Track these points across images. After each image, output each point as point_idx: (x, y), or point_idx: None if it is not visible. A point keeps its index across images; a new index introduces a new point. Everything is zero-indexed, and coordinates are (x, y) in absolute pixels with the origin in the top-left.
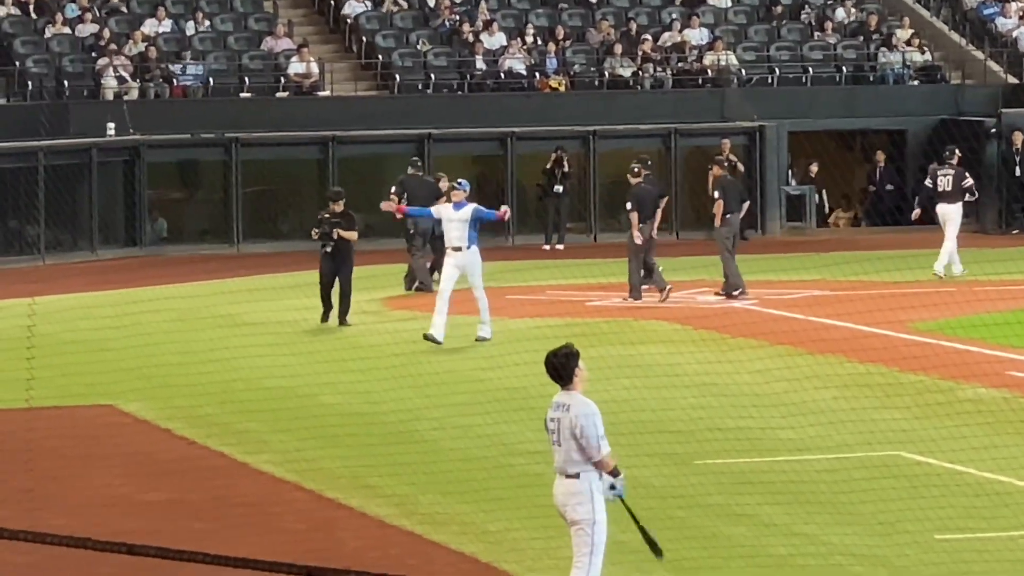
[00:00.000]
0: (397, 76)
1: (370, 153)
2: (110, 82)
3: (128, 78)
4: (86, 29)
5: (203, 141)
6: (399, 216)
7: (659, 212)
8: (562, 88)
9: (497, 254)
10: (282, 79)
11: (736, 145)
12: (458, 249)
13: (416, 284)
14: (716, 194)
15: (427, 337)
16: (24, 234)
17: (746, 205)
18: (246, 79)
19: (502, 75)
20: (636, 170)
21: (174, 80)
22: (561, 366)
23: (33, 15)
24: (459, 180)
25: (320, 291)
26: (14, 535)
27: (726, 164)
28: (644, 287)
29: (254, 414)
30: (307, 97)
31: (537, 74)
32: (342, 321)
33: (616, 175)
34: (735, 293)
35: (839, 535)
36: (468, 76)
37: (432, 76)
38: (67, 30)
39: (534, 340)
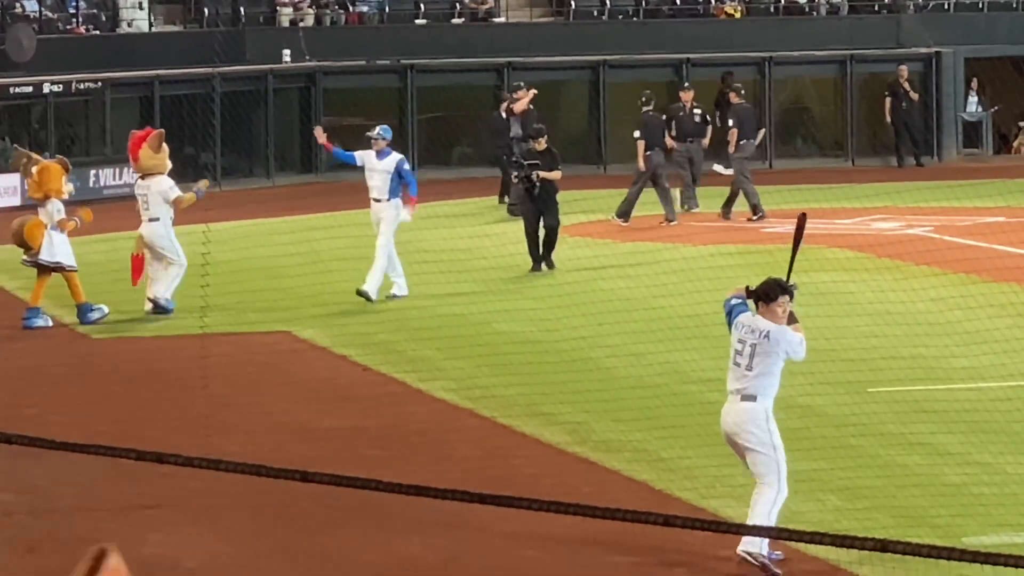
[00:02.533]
0: (572, 2)
1: (545, 80)
2: (286, 9)
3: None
4: None
5: (378, 68)
6: (328, 151)
7: (667, 139)
8: (738, 14)
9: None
10: (457, 5)
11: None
12: (377, 200)
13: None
14: (731, 122)
15: (360, 293)
16: (200, 160)
17: (761, 132)
18: (422, 6)
19: (678, 1)
20: (645, 99)
21: (350, 7)
22: (770, 286)
23: None
24: (382, 126)
25: (527, 239)
26: (189, 461)
27: (743, 91)
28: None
29: (428, 341)
30: (482, 23)
31: (713, 0)
32: (548, 263)
33: (789, 103)
34: (758, 216)
35: (1014, 464)
36: (644, 2)
37: (607, 2)
38: None
39: (710, 268)
